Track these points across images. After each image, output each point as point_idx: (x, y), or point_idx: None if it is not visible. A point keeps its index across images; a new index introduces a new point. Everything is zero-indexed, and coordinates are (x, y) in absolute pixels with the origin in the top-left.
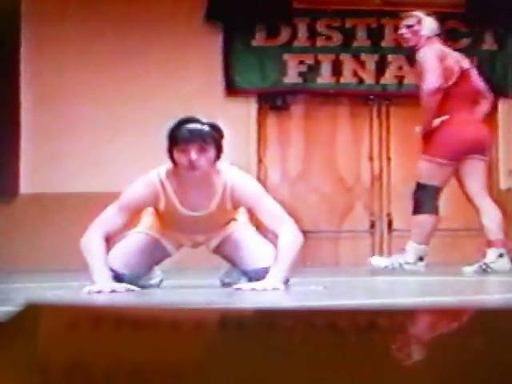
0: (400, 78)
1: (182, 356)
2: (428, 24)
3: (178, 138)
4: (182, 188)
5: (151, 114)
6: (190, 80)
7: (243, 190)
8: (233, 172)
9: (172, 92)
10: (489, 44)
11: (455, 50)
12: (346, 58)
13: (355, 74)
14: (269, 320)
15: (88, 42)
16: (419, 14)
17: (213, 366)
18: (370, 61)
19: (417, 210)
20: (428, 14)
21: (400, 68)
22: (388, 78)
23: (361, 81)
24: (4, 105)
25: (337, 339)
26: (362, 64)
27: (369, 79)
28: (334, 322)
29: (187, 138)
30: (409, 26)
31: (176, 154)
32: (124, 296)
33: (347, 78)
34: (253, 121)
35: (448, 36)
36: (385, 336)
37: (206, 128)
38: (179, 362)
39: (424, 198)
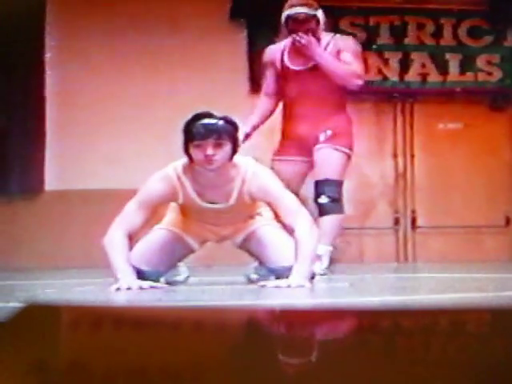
0: (423, 76)
1: (182, 356)
2: (322, 18)
3: (194, 133)
4: (199, 182)
5: (175, 111)
6: (215, 77)
7: (260, 183)
8: (250, 165)
9: (196, 89)
10: (511, 41)
11: (478, 47)
12: (369, 55)
13: (379, 71)
14: (271, 319)
15: (113, 39)
16: (316, 13)
17: (212, 366)
18: (394, 58)
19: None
20: (316, 8)
21: (423, 65)
22: (411, 75)
23: (385, 78)
24: (29, 102)
25: (360, 339)
26: (386, 61)
27: (393, 76)
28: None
29: (202, 134)
30: (309, 29)
31: (192, 150)
32: (150, 293)
33: (371, 75)
34: (277, 118)
35: (471, 33)
36: (407, 336)
37: (221, 123)
38: (179, 362)
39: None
